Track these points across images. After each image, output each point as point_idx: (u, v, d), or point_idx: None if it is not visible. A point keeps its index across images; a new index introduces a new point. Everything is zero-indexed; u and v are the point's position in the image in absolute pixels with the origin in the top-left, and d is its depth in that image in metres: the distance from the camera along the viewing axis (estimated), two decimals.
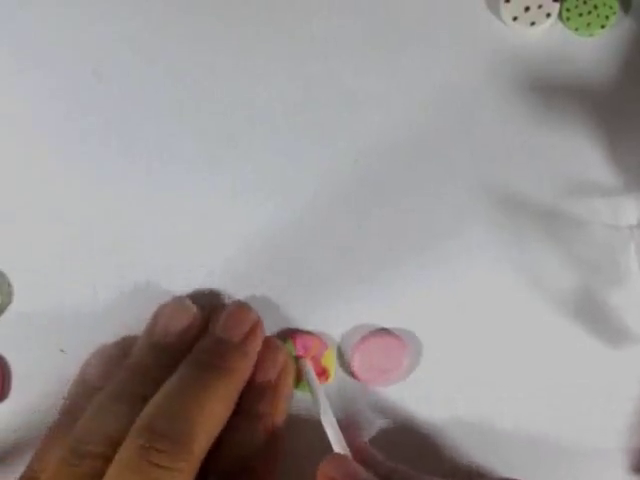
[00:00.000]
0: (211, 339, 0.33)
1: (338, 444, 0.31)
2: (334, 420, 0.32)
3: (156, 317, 0.34)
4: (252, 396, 0.32)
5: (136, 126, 0.36)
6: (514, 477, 0.31)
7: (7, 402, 0.35)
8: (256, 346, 0.33)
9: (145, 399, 0.30)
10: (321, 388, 0.33)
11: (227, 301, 0.35)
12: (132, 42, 0.36)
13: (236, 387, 0.32)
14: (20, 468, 0.34)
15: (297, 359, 0.34)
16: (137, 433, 0.28)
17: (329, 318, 0.35)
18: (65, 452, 0.29)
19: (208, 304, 0.34)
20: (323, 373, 0.34)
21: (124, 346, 0.34)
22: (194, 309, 0.33)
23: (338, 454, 0.31)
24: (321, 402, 0.32)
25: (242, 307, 0.34)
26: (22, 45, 0.36)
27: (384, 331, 0.34)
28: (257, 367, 0.33)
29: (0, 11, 0.36)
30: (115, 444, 0.29)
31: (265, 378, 0.33)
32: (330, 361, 0.34)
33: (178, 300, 0.34)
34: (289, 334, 0.34)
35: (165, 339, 0.33)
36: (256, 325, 0.33)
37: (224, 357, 0.32)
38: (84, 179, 0.36)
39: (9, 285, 0.35)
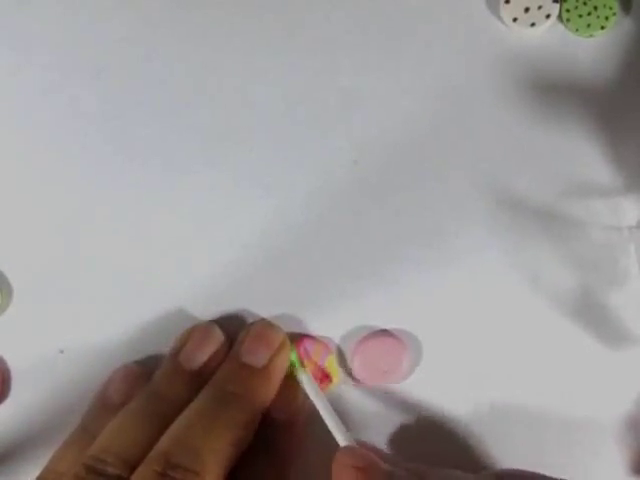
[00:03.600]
0: (234, 364, 0.32)
1: (346, 442, 0.31)
2: (339, 420, 0.31)
3: (182, 341, 0.33)
4: (269, 431, 0.32)
5: (135, 125, 0.36)
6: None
7: (7, 402, 0.34)
8: (281, 368, 0.33)
9: (166, 424, 0.30)
10: (321, 393, 0.33)
11: (233, 309, 0.35)
12: (131, 39, 0.36)
13: (257, 412, 0.31)
14: (20, 468, 0.34)
15: (293, 366, 0.34)
16: (153, 460, 0.29)
17: (329, 320, 0.35)
18: (80, 469, 0.29)
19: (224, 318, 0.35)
20: (326, 378, 0.34)
21: (148, 366, 0.34)
22: (222, 337, 0.33)
23: (352, 445, 0.31)
24: (323, 406, 0.32)
25: (268, 328, 0.33)
26: (21, 43, 0.36)
27: (384, 332, 0.34)
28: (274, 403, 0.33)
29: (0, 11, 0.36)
30: (131, 467, 0.29)
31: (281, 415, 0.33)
32: (333, 366, 0.34)
33: (206, 326, 0.34)
34: (292, 338, 0.34)
35: (189, 365, 0.33)
36: (282, 346, 0.33)
37: (245, 384, 0.31)
38: (83, 179, 0.35)
39: (9, 285, 0.35)
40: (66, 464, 0.31)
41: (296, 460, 0.33)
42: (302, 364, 0.34)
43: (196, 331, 0.33)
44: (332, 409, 0.32)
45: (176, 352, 0.33)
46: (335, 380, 0.34)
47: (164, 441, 0.29)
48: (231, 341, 0.34)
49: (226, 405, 0.31)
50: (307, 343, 0.34)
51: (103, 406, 0.33)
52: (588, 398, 0.34)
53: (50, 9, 0.36)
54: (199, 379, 0.32)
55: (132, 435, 0.30)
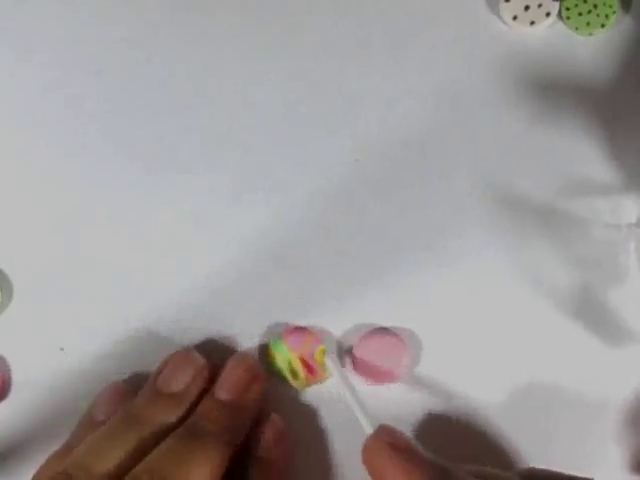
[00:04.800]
0: (210, 400, 0.32)
1: (370, 425, 0.30)
2: (364, 403, 0.31)
3: (162, 365, 0.33)
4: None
5: (135, 125, 0.36)
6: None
7: (7, 402, 0.34)
8: (255, 399, 0.33)
9: (141, 445, 0.30)
10: (347, 376, 0.33)
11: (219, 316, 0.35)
12: (131, 40, 0.36)
13: (231, 447, 0.31)
14: (20, 467, 0.34)
15: (322, 351, 0.34)
16: None
17: (329, 317, 0.34)
18: None
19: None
20: (313, 369, 0.34)
21: (135, 384, 0.34)
22: (201, 361, 0.33)
23: (385, 426, 0.30)
24: (348, 388, 0.32)
25: (241, 361, 0.33)
26: (21, 43, 0.36)
27: (384, 330, 0.34)
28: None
29: (0, 10, 0.36)
30: None
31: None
32: (321, 358, 0.34)
33: (185, 351, 0.34)
34: (281, 328, 0.34)
35: (167, 389, 0.32)
36: (256, 378, 0.33)
37: (219, 420, 0.31)
38: (84, 179, 0.36)
39: (9, 284, 0.35)
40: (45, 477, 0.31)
41: None
42: (291, 353, 0.34)
43: (175, 355, 0.34)
44: (359, 395, 0.31)
45: (155, 375, 0.33)
46: (322, 372, 0.34)
47: (139, 469, 0.29)
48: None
49: (201, 440, 0.31)
50: (297, 334, 0.34)
51: (89, 424, 0.33)
52: (588, 396, 0.34)
53: (50, 8, 0.36)
54: (178, 402, 0.32)
55: (106, 452, 0.30)
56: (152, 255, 0.35)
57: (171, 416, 0.32)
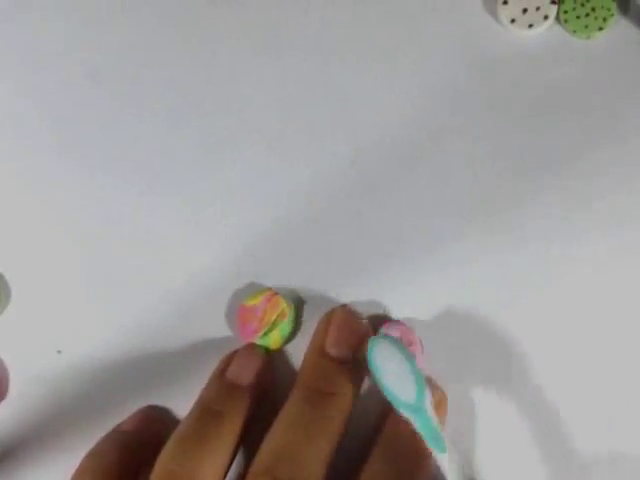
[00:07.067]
0: (318, 358, 0.31)
1: None
2: None
3: (227, 359, 0.33)
4: None
5: (131, 130, 0.36)
6: None
7: (4, 404, 0.35)
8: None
9: (231, 442, 0.30)
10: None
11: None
12: (126, 46, 0.36)
13: (350, 407, 0.30)
14: (18, 468, 0.34)
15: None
16: (258, 476, 0.28)
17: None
18: None
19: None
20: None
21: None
22: (264, 353, 0.33)
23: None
24: None
25: (350, 317, 0.33)
26: (19, 49, 0.36)
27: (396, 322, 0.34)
28: None
29: None
30: None
31: None
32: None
33: (250, 344, 0.33)
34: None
35: (239, 380, 0.32)
36: (366, 336, 0.32)
37: (336, 380, 0.30)
38: (81, 181, 0.36)
39: (7, 286, 0.35)
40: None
41: None
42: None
43: (241, 349, 0.33)
44: None
45: (223, 368, 0.32)
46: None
47: (266, 456, 0.29)
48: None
49: (324, 407, 0.30)
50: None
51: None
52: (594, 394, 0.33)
53: (49, 15, 0.36)
54: (253, 392, 0.32)
55: (204, 457, 0.29)
56: (149, 258, 0.35)
57: (253, 406, 0.31)
